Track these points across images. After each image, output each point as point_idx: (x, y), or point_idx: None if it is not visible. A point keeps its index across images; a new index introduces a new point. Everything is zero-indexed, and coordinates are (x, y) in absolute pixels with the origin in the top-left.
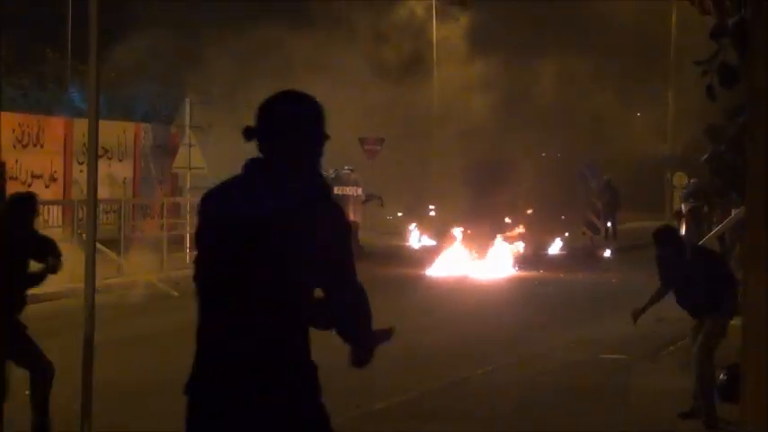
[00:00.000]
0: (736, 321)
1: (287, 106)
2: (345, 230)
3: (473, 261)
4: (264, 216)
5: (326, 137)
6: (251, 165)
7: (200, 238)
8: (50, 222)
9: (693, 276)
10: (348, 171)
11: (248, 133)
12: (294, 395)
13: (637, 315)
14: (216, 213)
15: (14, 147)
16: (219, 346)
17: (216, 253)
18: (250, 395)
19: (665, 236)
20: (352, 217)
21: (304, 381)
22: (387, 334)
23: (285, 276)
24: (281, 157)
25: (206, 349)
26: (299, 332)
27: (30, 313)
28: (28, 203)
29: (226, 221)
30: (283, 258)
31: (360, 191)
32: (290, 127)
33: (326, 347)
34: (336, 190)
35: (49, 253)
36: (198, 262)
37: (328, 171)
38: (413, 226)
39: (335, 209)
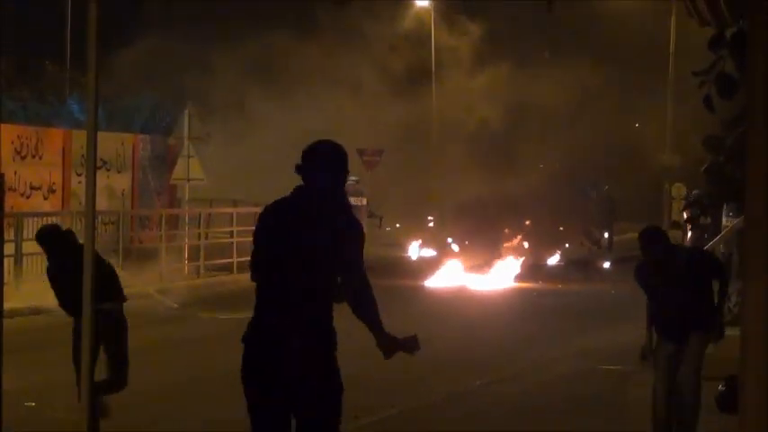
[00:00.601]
0: (733, 332)
1: (326, 150)
2: (360, 237)
3: (472, 272)
4: (312, 222)
5: (348, 171)
6: (299, 190)
7: (260, 236)
8: None
9: (685, 275)
10: (353, 182)
11: (298, 169)
12: (328, 343)
13: (647, 352)
14: (274, 221)
15: (13, 158)
16: (281, 303)
17: (274, 246)
18: (303, 340)
19: (652, 236)
20: None
21: (332, 335)
22: (413, 342)
23: (321, 265)
24: (321, 184)
25: (268, 306)
26: (330, 302)
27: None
28: None
29: (284, 225)
30: (321, 251)
31: (364, 201)
32: (327, 164)
33: None
34: None
35: None
36: (258, 251)
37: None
38: (419, 242)
39: (356, 222)
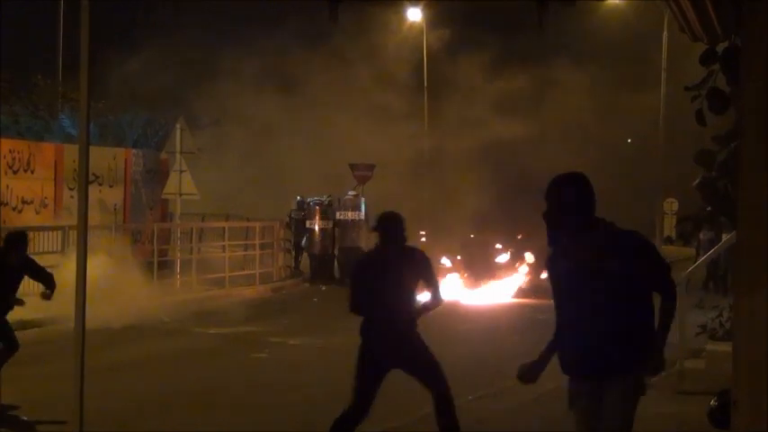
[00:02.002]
0: (725, 346)
1: (390, 221)
2: (429, 262)
3: (466, 287)
4: (403, 258)
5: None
6: (382, 242)
7: (364, 270)
8: (41, 248)
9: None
10: (351, 196)
11: (374, 228)
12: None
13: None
14: (375, 258)
15: (5, 173)
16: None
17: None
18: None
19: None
20: (354, 242)
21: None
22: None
23: (411, 281)
24: (393, 236)
25: (376, 306)
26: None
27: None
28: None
29: (384, 259)
30: (414, 272)
31: (361, 215)
32: (393, 227)
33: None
34: (338, 215)
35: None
36: (356, 281)
37: (322, 196)
38: None
39: (423, 253)
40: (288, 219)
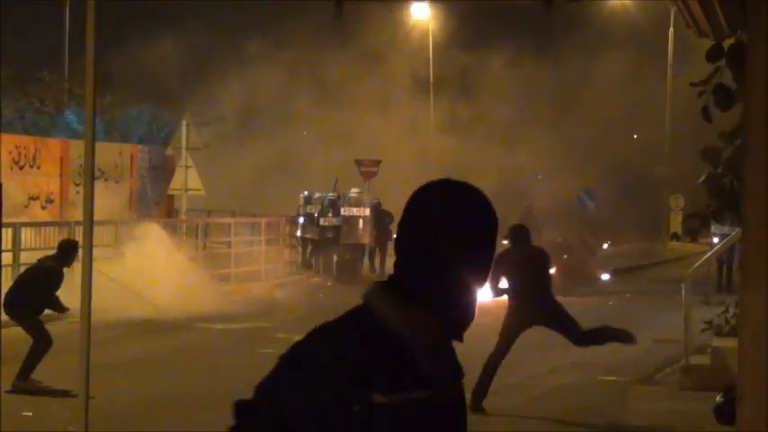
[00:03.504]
0: (731, 343)
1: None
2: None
3: None
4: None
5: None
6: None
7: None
8: (46, 244)
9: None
10: (356, 193)
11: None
12: None
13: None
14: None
15: (11, 168)
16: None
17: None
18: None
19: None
20: (359, 238)
21: None
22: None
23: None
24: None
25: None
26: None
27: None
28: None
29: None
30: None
31: (367, 211)
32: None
33: None
34: (343, 211)
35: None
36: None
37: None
38: None
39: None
40: (297, 214)
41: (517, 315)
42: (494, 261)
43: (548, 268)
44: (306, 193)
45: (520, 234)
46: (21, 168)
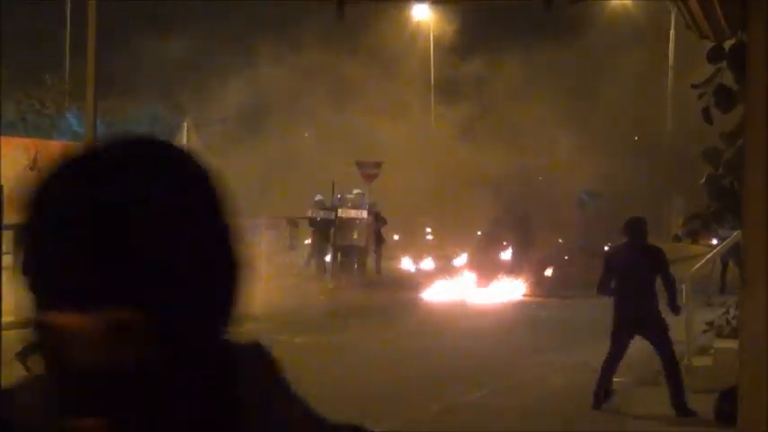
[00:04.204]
0: (732, 344)
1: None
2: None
3: (471, 285)
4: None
5: None
6: (630, 238)
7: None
8: None
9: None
10: (354, 195)
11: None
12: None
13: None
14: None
15: (13, 170)
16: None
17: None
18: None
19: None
20: (356, 241)
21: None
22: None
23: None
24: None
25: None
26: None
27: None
28: None
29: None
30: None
31: (364, 214)
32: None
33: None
34: (340, 213)
35: None
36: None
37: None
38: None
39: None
40: (309, 217)
41: (618, 318)
42: (605, 257)
43: (657, 270)
44: (319, 197)
45: (635, 227)
46: (22, 170)
